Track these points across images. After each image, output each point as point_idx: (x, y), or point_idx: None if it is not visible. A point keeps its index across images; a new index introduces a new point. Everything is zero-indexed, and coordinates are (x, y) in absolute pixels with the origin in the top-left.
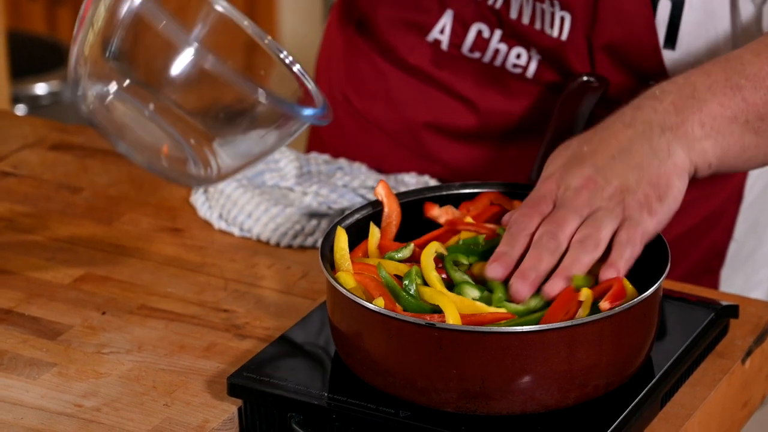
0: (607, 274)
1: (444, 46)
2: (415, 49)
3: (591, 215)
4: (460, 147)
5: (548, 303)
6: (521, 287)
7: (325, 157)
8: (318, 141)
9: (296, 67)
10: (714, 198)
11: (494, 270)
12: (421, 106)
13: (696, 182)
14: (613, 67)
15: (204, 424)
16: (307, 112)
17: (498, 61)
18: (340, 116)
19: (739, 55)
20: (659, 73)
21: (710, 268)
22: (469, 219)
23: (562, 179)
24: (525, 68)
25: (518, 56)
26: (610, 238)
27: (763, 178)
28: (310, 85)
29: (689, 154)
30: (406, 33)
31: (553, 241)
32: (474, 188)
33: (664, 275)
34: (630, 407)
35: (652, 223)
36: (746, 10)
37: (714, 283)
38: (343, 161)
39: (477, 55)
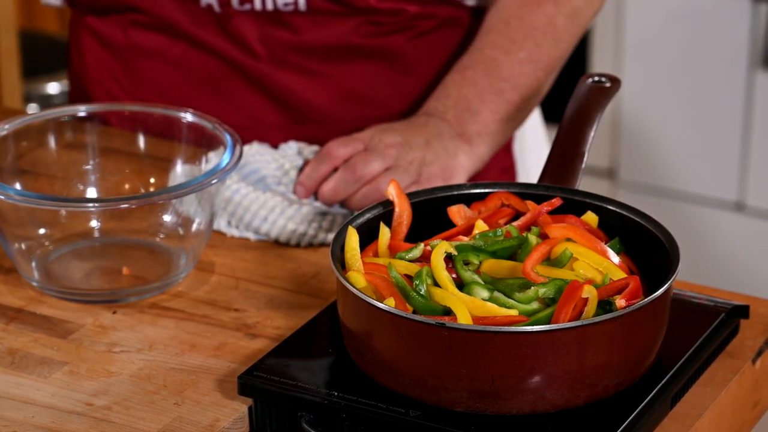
0: None
1: (216, 8)
2: (196, 20)
3: (392, 168)
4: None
5: (553, 300)
6: (306, 198)
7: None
8: None
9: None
10: None
11: (299, 191)
12: (228, 82)
13: None
14: None
15: (214, 422)
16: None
17: (269, 6)
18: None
19: (493, 57)
20: None
21: (505, 168)
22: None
23: (375, 135)
24: (296, 4)
25: None
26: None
27: None
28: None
29: (470, 159)
30: (182, 7)
31: (353, 174)
32: (485, 188)
33: (674, 275)
34: (640, 407)
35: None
36: None
37: (512, 177)
38: None
39: (248, 6)
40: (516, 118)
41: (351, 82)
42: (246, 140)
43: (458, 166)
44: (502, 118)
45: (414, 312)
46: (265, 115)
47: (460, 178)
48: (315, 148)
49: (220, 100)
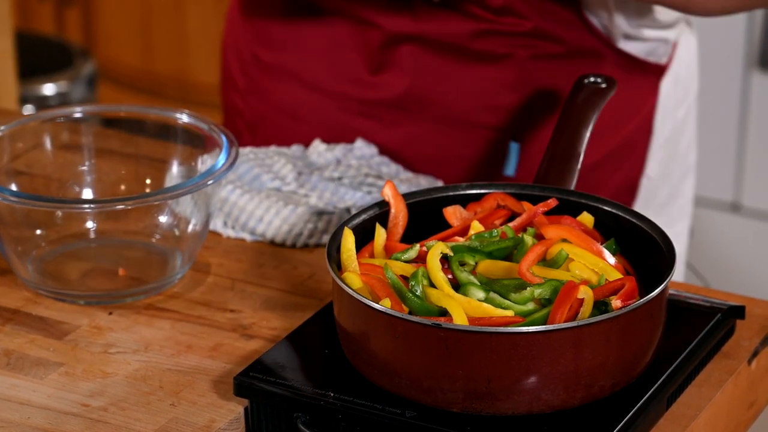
0: None
1: None
2: None
3: None
4: (377, 77)
5: (549, 300)
6: None
7: (321, 149)
8: (235, 102)
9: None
10: (623, 127)
11: None
12: (335, 41)
13: (605, 109)
14: None
15: (210, 423)
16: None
17: None
18: (253, 74)
19: None
20: None
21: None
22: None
23: None
24: None
25: None
26: None
27: (671, 119)
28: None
29: None
30: None
31: None
32: (481, 189)
33: (670, 275)
34: (636, 408)
35: None
36: None
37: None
38: (330, 154)
39: None
40: None
41: (455, 82)
42: (348, 112)
43: None
44: None
45: (410, 313)
46: (370, 89)
47: None
48: (323, 148)
49: (331, 67)
